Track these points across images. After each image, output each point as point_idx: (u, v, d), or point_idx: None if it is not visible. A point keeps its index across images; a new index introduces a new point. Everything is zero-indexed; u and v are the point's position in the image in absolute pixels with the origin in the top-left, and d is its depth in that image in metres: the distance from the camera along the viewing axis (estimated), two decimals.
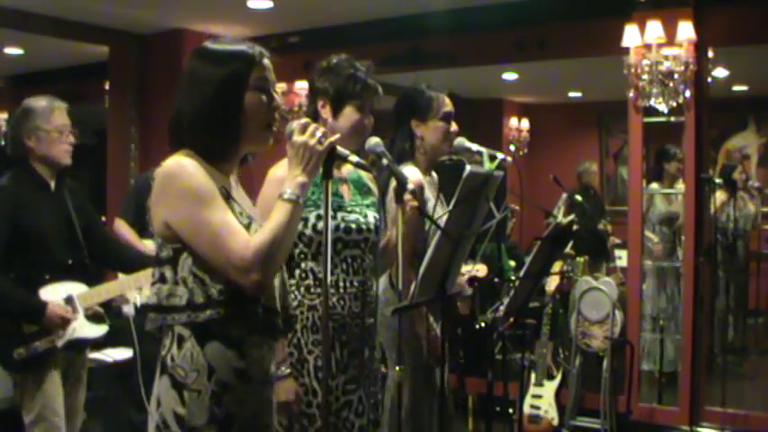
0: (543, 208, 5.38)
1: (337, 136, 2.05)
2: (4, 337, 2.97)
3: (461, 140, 2.94)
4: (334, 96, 2.52)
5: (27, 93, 3.18)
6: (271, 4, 5.20)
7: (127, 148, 6.12)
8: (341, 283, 2.47)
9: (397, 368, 2.41)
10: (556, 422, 4.54)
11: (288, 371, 2.37)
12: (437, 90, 3.08)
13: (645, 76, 4.52)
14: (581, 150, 7.39)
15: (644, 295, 4.93)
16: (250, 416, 1.85)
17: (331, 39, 5.74)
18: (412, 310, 2.74)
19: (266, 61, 1.89)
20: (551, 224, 3.54)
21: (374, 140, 2.42)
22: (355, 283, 2.49)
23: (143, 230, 4.00)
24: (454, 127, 3.07)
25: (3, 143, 5.40)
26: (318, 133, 1.85)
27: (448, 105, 3.07)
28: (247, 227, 1.81)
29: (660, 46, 4.50)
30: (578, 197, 5.65)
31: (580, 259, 4.88)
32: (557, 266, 4.59)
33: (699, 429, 4.61)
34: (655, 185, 5.24)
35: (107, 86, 6.31)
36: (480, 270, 3.29)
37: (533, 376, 4.62)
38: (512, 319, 3.24)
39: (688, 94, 4.51)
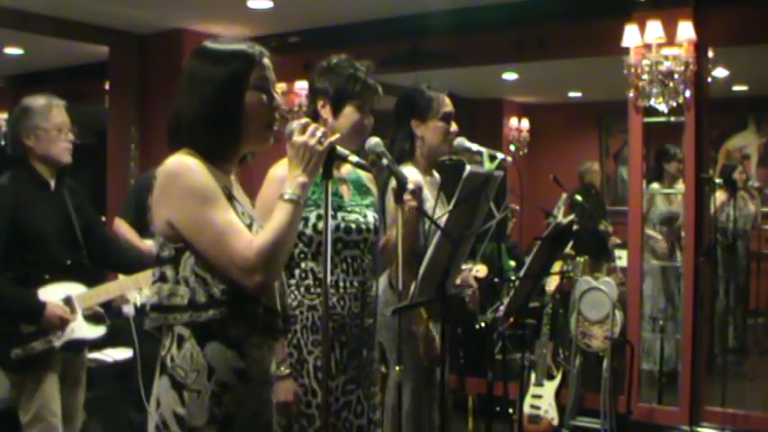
0: (543, 208, 5.38)
1: (337, 136, 2.05)
2: (2, 338, 2.95)
3: (461, 140, 2.94)
4: (335, 96, 2.52)
5: (27, 93, 3.16)
6: (271, 4, 5.20)
7: (127, 148, 6.12)
8: (341, 284, 2.46)
9: (397, 368, 2.40)
10: (556, 422, 4.54)
11: (287, 371, 2.37)
12: (437, 90, 3.08)
13: (645, 76, 4.52)
14: (581, 150, 7.39)
15: (644, 295, 4.93)
16: (250, 416, 1.84)
17: (331, 39, 5.73)
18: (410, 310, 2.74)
19: (266, 60, 1.89)
20: (551, 224, 3.53)
21: (374, 140, 2.42)
22: (355, 284, 2.49)
23: (143, 231, 3.99)
24: (454, 127, 3.07)
25: (3, 143, 5.39)
26: (318, 133, 1.85)
27: (448, 105, 3.07)
28: (249, 227, 1.81)
29: (660, 46, 4.50)
30: (578, 197, 5.66)
31: (580, 259, 4.88)
32: (557, 266, 4.60)
33: (699, 429, 4.61)
34: (656, 185, 5.25)
35: (107, 86, 6.31)
36: (480, 270, 3.29)
37: (533, 376, 4.62)
38: (512, 319, 3.24)
39: (688, 94, 4.51)
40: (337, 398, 2.46)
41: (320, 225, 2.40)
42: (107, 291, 3.18)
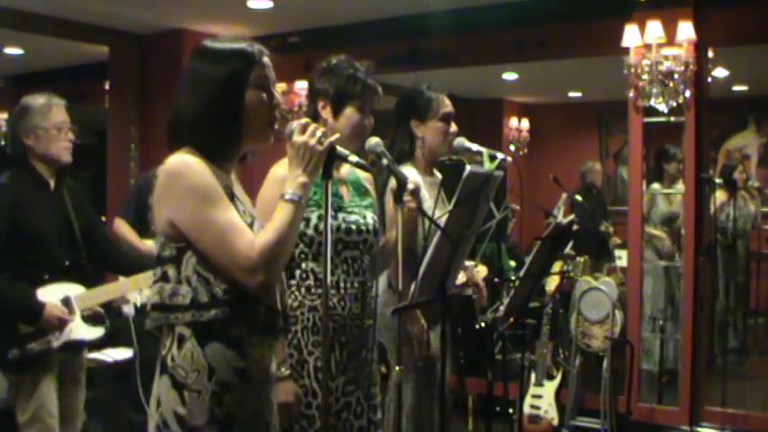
0: (543, 208, 5.38)
1: (337, 136, 2.05)
2: (0, 338, 2.95)
3: (461, 140, 2.94)
4: (335, 97, 2.52)
5: (27, 93, 3.15)
6: (271, 4, 5.19)
7: (127, 148, 6.12)
8: (341, 284, 2.46)
9: (397, 368, 2.40)
10: (556, 422, 4.54)
11: (288, 372, 2.37)
12: (437, 90, 3.08)
13: (645, 76, 4.52)
14: (581, 150, 7.39)
15: (644, 295, 4.93)
16: (250, 416, 1.85)
17: (331, 39, 5.73)
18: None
19: (266, 59, 1.89)
20: (551, 224, 3.53)
21: (374, 140, 2.42)
22: (356, 284, 2.49)
23: (143, 231, 3.99)
24: (454, 127, 3.07)
25: (3, 142, 5.40)
26: (318, 133, 1.85)
27: (448, 106, 3.07)
28: (250, 226, 1.81)
29: (660, 46, 4.50)
30: (578, 197, 5.65)
31: (580, 259, 4.88)
32: (557, 266, 4.59)
33: (699, 429, 4.61)
34: (656, 185, 5.24)
35: (107, 86, 6.31)
36: (480, 270, 3.28)
37: (533, 376, 4.62)
38: (512, 319, 3.24)
39: (688, 94, 4.51)
40: (337, 399, 2.46)
41: (321, 225, 2.40)
42: (106, 292, 3.18)
